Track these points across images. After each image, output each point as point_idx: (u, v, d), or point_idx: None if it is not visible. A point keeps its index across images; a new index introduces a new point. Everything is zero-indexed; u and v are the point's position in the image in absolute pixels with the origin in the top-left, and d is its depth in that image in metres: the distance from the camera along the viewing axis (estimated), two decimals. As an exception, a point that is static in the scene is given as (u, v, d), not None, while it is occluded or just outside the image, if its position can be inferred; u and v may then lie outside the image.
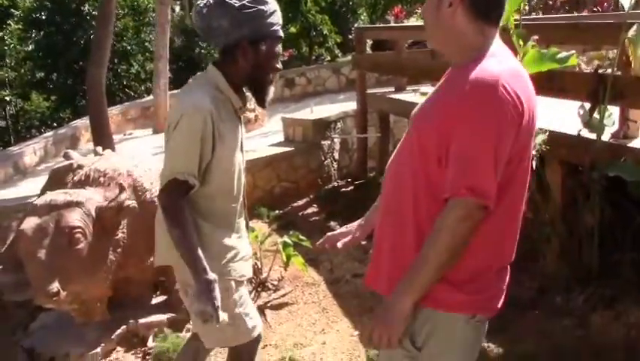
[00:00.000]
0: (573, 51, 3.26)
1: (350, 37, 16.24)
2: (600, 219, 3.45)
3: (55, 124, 17.63)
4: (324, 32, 16.34)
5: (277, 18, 2.30)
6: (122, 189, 3.66)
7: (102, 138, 7.17)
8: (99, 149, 4.66)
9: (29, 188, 7.30)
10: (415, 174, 1.70)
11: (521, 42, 3.37)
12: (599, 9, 14.38)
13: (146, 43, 18.54)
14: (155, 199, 3.90)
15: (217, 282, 2.21)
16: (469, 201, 1.56)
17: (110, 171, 3.78)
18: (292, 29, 16.90)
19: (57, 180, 4.06)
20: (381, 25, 13.76)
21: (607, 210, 3.42)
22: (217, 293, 2.19)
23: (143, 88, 18.52)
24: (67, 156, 4.53)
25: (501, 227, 1.71)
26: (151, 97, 13.73)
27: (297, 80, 13.90)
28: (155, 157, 9.39)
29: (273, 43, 2.29)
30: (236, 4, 2.21)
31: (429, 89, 6.12)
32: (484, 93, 1.55)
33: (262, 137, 10.63)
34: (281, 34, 2.34)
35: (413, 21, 16.48)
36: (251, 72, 2.29)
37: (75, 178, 3.75)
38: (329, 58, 17.20)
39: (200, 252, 2.21)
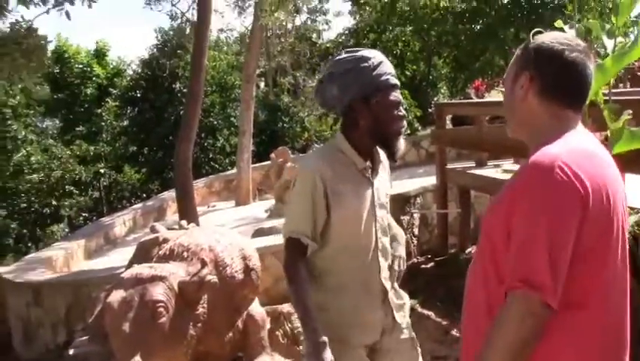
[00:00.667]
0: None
1: (430, 110, 16.35)
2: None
3: (144, 195, 18.43)
4: (404, 106, 16.49)
5: (385, 68, 2.30)
6: (203, 264, 3.73)
7: (187, 210, 7.41)
8: (184, 222, 4.83)
9: (118, 258, 7.59)
10: (485, 267, 1.59)
11: (613, 117, 3.26)
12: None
13: (232, 118, 19.30)
14: (235, 274, 4.00)
15: (327, 344, 2.17)
16: (527, 296, 1.40)
17: (193, 245, 3.87)
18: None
19: (144, 253, 4.21)
20: (462, 100, 13.78)
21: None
22: (327, 356, 2.14)
23: (227, 161, 19.15)
24: (153, 230, 4.70)
25: (594, 330, 1.50)
26: (234, 170, 14.17)
27: (378, 155, 13.98)
28: (236, 230, 9.69)
29: (385, 94, 2.28)
30: (340, 71, 2.30)
31: (510, 165, 6.04)
32: (538, 176, 1.46)
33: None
34: (393, 82, 2.31)
35: (494, 94, 16.42)
36: (374, 128, 2.29)
37: (160, 252, 3.87)
38: (409, 131, 17.30)
39: (313, 312, 2.20)
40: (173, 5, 13.22)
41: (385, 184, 2.45)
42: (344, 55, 2.39)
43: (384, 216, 2.43)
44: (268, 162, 14.15)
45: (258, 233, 6.89)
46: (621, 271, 1.56)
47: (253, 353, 4.14)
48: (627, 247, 1.60)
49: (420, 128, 17.14)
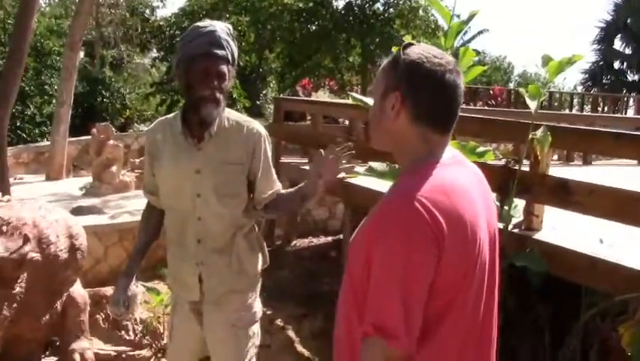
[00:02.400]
0: (489, 147, 3.49)
1: (258, 102, 16.48)
2: (503, 306, 3.60)
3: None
4: (234, 96, 16.49)
5: (206, 39, 2.37)
6: (26, 240, 3.45)
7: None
8: (-1, 194, 4.40)
9: None
10: (347, 301, 1.55)
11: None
12: (493, 102, 15.53)
13: (46, 86, 17.89)
14: (60, 253, 3.73)
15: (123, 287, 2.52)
16: (381, 343, 1.36)
17: (14, 219, 3.55)
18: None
19: (-51, 224, 3.76)
20: (301, 98, 14.11)
21: (510, 300, 3.58)
22: (118, 296, 2.50)
23: (37, 131, 17.69)
24: (-39, 199, 4.23)
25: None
26: (46, 142, 13.16)
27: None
28: (59, 205, 9.02)
29: (195, 62, 2.36)
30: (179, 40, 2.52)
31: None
32: (395, 216, 1.40)
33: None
34: (205, 50, 2.35)
35: (320, 94, 17.02)
36: (185, 95, 2.48)
37: (-25, 225, 3.49)
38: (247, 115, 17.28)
39: (133, 256, 2.65)
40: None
41: (226, 153, 2.45)
42: (194, 24, 2.52)
43: (210, 181, 2.44)
44: (85, 137, 13.34)
45: (77, 211, 6.47)
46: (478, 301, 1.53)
47: (70, 337, 3.89)
48: (496, 275, 1.62)
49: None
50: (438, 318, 1.43)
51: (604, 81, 26.90)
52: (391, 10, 16.55)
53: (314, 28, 16.98)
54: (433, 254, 1.38)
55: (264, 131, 2.56)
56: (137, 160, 11.46)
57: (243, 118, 2.56)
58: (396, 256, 1.37)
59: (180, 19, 17.15)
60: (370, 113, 1.64)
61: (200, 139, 2.43)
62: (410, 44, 1.57)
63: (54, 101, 17.39)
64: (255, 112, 17.08)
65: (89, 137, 12.95)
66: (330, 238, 6.76)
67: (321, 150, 2.44)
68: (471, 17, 3.46)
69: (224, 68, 2.39)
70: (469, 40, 34.92)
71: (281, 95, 14.76)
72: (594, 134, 3.78)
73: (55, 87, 17.22)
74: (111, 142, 10.51)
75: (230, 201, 2.49)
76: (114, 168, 10.36)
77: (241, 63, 17.14)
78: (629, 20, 26.15)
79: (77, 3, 11.98)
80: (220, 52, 2.36)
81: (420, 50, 1.54)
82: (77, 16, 11.51)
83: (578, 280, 3.40)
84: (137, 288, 2.59)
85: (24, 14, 7.06)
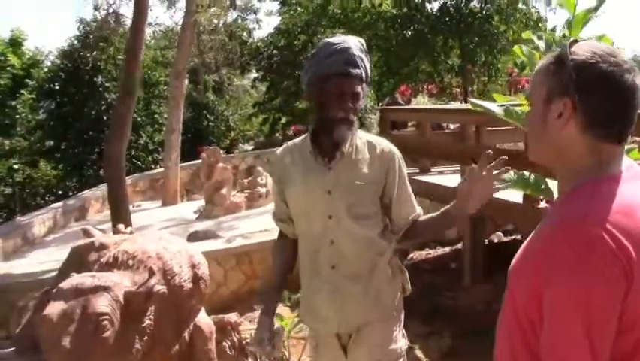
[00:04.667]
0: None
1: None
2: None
3: (60, 192, 17.55)
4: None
5: (340, 57, 2.30)
6: (151, 273, 3.48)
7: (120, 213, 7.04)
8: (121, 226, 4.53)
9: (38, 260, 7.12)
10: (512, 333, 1.35)
11: None
12: None
13: (156, 115, 18.74)
14: (184, 284, 3.77)
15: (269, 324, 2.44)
16: None
17: (139, 253, 3.61)
18: (302, 105, 17.13)
19: (78, 259, 3.90)
20: (390, 104, 13.94)
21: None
22: (263, 335, 2.43)
23: (150, 159, 18.57)
24: (87, 233, 4.38)
25: None
26: (160, 169, 13.74)
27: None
28: (165, 231, 9.33)
29: (328, 81, 2.30)
30: (310, 55, 2.46)
31: (452, 174, 6.05)
32: (571, 241, 1.21)
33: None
34: (340, 70, 2.28)
35: (420, 99, 16.72)
36: (317, 114, 2.41)
37: (102, 260, 3.58)
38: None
39: (273, 290, 2.58)
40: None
41: (358, 174, 2.36)
42: (322, 40, 2.46)
43: (342, 202, 2.34)
44: (195, 162, 13.83)
45: (193, 237, 6.62)
46: None
47: (199, 365, 3.91)
48: None
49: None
50: (626, 358, 1.23)
51: None
52: (489, 6, 16.00)
53: (410, 33, 16.73)
54: (620, 287, 1.18)
55: (397, 152, 2.45)
56: (246, 180, 11.72)
57: (375, 138, 2.48)
58: (578, 294, 1.18)
59: (277, 38, 17.45)
60: (530, 120, 1.43)
61: (331, 158, 2.36)
62: (575, 41, 1.37)
63: (164, 128, 18.23)
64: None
65: (199, 161, 13.43)
66: (447, 249, 6.52)
67: (474, 165, 2.19)
68: (600, 4, 3.15)
69: (358, 87, 2.31)
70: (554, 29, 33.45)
71: (380, 104, 14.62)
72: None
73: (165, 115, 18.03)
74: (220, 165, 10.81)
75: (364, 222, 2.38)
76: (224, 190, 10.64)
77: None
78: None
79: (180, 34, 12.46)
80: (355, 71, 2.29)
81: (589, 46, 1.34)
82: (180, 47, 11.97)
83: None
84: (279, 325, 2.54)
85: (132, 50, 7.36)
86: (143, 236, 4.02)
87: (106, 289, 3.33)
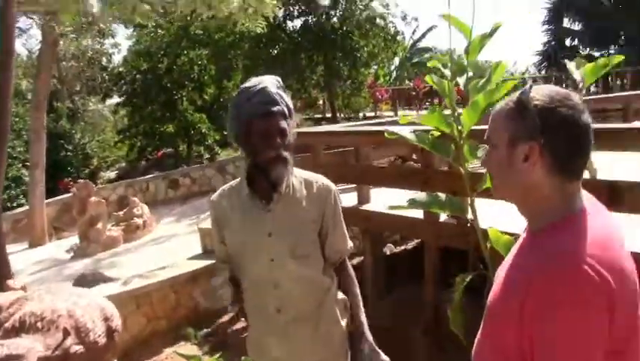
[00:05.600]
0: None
1: (225, 132, 16.29)
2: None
3: None
4: (203, 130, 16.29)
5: (259, 97, 2.26)
6: (66, 334, 3.24)
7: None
8: (10, 282, 4.18)
9: None
10: None
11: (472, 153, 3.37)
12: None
13: (8, 149, 17.39)
14: (98, 339, 3.52)
15: None
16: None
17: (48, 313, 3.33)
18: (169, 129, 16.71)
19: (-31, 325, 3.52)
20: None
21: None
22: None
23: (5, 196, 17.18)
24: (-28, 294, 3.98)
25: None
26: (20, 208, 12.79)
27: (182, 181, 13.59)
28: (38, 275, 8.68)
29: (253, 123, 2.25)
30: (230, 103, 2.41)
31: (348, 193, 6.16)
32: (561, 280, 1.28)
33: (156, 244, 10.15)
34: (262, 111, 2.24)
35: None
36: (251, 158, 2.32)
37: (7, 325, 3.27)
38: (208, 155, 17.07)
39: None
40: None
41: (298, 213, 2.34)
42: (242, 86, 2.40)
43: (284, 244, 2.31)
44: (61, 196, 12.98)
45: (80, 282, 6.18)
46: None
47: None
48: None
49: (220, 151, 17.00)
50: None
51: (559, 60, 27.39)
52: (349, 21, 16.56)
53: (275, 52, 16.91)
54: (607, 318, 1.27)
55: (333, 186, 2.44)
56: (121, 213, 11.19)
57: (311, 175, 2.44)
58: (574, 328, 1.25)
59: (138, 61, 16.90)
60: (489, 165, 1.51)
61: (269, 200, 2.31)
62: (531, 86, 1.45)
63: (17, 164, 16.96)
64: (224, 144, 16.88)
65: (65, 195, 12.65)
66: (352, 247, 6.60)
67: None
68: (494, 30, 3.36)
69: (283, 123, 2.26)
70: (420, 39, 35.55)
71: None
72: None
73: (19, 149, 16.79)
74: (93, 199, 10.24)
75: (306, 262, 2.34)
76: (100, 225, 10.09)
77: (205, 97, 16.99)
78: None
79: (37, 64, 11.69)
80: (276, 108, 2.25)
81: (546, 91, 1.42)
82: (39, 76, 11.25)
83: None
84: None
85: (3, 91, 6.81)
86: (50, 293, 3.72)
87: (18, 358, 3.05)
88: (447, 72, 3.28)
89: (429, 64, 3.40)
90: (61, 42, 11.19)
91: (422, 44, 36.21)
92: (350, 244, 2.51)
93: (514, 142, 1.42)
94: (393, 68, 35.11)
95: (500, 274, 1.48)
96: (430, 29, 29.07)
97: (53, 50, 11.28)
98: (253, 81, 2.34)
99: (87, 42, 12.65)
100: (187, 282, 5.81)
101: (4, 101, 6.72)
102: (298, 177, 2.39)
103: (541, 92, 1.42)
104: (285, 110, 2.28)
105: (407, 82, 31.26)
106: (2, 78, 6.71)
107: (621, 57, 3.18)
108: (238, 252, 2.37)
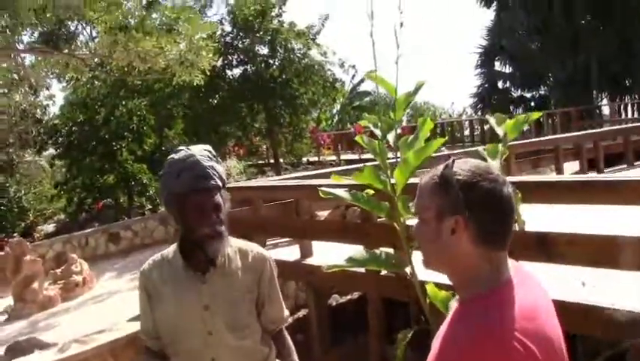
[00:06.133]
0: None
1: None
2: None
3: None
4: (144, 181, 16.04)
5: (190, 173, 2.21)
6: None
7: None
8: None
9: None
10: None
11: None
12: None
13: None
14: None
15: None
16: None
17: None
18: (109, 180, 16.40)
19: None
20: (235, 185, 13.89)
21: None
22: None
23: None
24: None
25: None
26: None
27: (123, 234, 13.28)
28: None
29: (186, 199, 2.22)
30: (161, 174, 2.36)
31: (289, 246, 6.15)
32: (489, 355, 1.34)
33: (96, 302, 9.83)
34: (195, 186, 2.21)
35: (230, 162, 16.90)
36: (183, 232, 2.30)
37: None
38: (150, 206, 16.78)
39: None
40: None
41: (234, 285, 2.30)
42: (168, 157, 2.35)
43: (221, 317, 2.27)
44: (-6, 255, 12.48)
45: (14, 350, 5.90)
46: None
47: None
48: None
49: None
50: None
51: (492, 101, 28.43)
52: (287, 69, 16.80)
53: (215, 101, 16.95)
54: None
55: (268, 255, 2.43)
56: (59, 270, 10.83)
57: (245, 244, 2.42)
58: None
59: (74, 113, 16.61)
60: (419, 236, 1.55)
61: (204, 272, 2.27)
62: (453, 161, 1.51)
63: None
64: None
65: (-1, 254, 12.16)
66: (290, 319, 6.53)
67: None
68: (417, 89, 3.45)
69: (218, 198, 2.23)
70: (359, 83, 36.32)
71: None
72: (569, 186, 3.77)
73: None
74: (28, 257, 9.90)
75: (244, 333, 2.30)
76: (36, 285, 9.72)
77: (146, 147, 16.78)
78: (503, 42, 27.95)
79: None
80: (210, 183, 2.21)
81: (468, 166, 1.49)
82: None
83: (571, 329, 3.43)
84: None
85: None
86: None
87: None
88: (377, 131, 3.36)
89: (361, 123, 3.46)
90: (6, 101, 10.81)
91: (362, 88, 37.05)
92: (286, 313, 2.49)
93: (440, 216, 1.47)
94: (335, 111, 35.67)
95: (435, 344, 1.50)
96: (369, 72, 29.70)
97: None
98: (183, 153, 2.28)
99: (19, 97, 12.34)
100: (127, 346, 5.61)
101: None
102: (233, 246, 2.36)
103: (462, 167, 1.48)
104: (219, 182, 2.25)
105: (349, 125, 31.79)
106: None
107: (538, 114, 3.34)
108: (170, 326, 2.29)
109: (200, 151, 2.29)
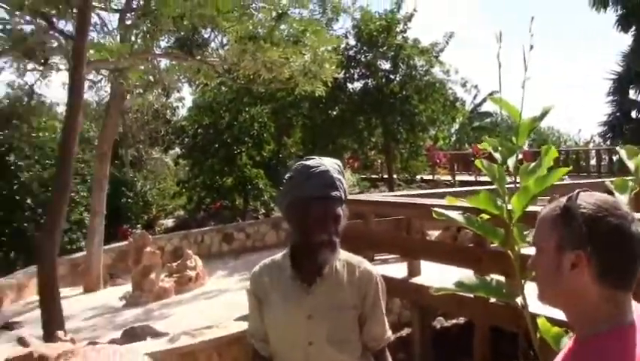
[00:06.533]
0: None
1: (281, 188, 16.47)
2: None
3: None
4: (260, 186, 16.56)
5: (317, 180, 2.27)
6: (106, 394, 3.29)
7: (51, 310, 6.61)
8: (61, 334, 4.28)
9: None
10: None
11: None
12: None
13: (72, 194, 18.04)
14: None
15: None
16: None
17: (91, 372, 3.41)
18: (227, 182, 17.07)
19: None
20: (350, 198, 14.08)
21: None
22: None
23: (66, 239, 17.73)
24: (23, 342, 4.12)
25: None
26: (79, 253, 13.15)
27: (236, 235, 13.76)
28: (91, 321, 8.85)
29: (308, 206, 2.26)
30: (286, 178, 2.40)
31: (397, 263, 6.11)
32: None
33: (207, 298, 10.24)
34: (318, 194, 2.26)
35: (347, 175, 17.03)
36: (298, 239, 2.35)
37: (51, 382, 3.35)
38: (264, 211, 17.28)
39: None
40: (19, 77, 12.19)
41: (337, 297, 2.32)
42: (297, 163, 2.42)
43: (323, 328, 2.30)
44: (118, 244, 13.33)
45: (129, 335, 6.27)
46: None
47: None
48: None
49: (275, 207, 17.21)
50: None
51: (624, 131, 26.78)
52: (408, 86, 16.74)
53: (334, 113, 17.20)
54: None
55: (375, 272, 2.43)
56: (174, 264, 11.39)
57: (355, 258, 2.44)
58: None
59: (200, 116, 17.46)
60: (537, 265, 1.49)
61: (311, 282, 2.31)
62: (578, 192, 1.44)
63: (80, 208, 17.53)
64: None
65: (122, 243, 12.97)
66: (392, 337, 6.48)
67: None
68: (544, 115, 3.33)
69: (339, 210, 2.29)
70: (481, 103, 35.50)
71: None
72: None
73: (82, 194, 17.38)
74: (148, 249, 10.47)
75: (344, 348, 2.32)
76: (153, 276, 10.28)
77: (264, 153, 17.30)
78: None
79: (105, 116, 12.25)
80: (335, 193, 2.27)
81: (594, 199, 1.42)
82: (105, 129, 11.75)
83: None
84: None
85: (67, 140, 7.14)
86: (95, 351, 3.80)
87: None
88: (497, 155, 3.27)
89: (480, 146, 3.39)
90: (128, 96, 11.65)
91: (484, 108, 36.18)
92: (389, 333, 2.47)
93: (560, 249, 1.41)
94: (453, 130, 35.06)
95: None
96: (491, 94, 28.92)
97: (120, 104, 11.82)
98: (314, 162, 2.36)
99: (152, 97, 13.18)
100: (232, 344, 5.80)
101: (67, 154, 7.03)
102: (341, 259, 2.38)
103: (588, 200, 1.41)
104: (343, 195, 2.31)
105: (467, 145, 31.13)
106: (67, 132, 7.05)
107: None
108: (276, 331, 2.35)
109: (330, 163, 2.36)
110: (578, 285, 1.38)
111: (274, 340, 2.36)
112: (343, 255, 2.42)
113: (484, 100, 34.36)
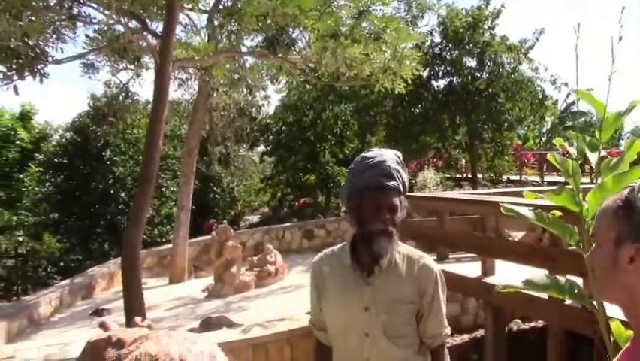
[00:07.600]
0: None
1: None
2: None
3: (62, 265, 17.35)
4: (342, 183, 16.61)
5: (375, 171, 2.31)
6: (174, 377, 3.38)
7: (133, 298, 6.91)
8: (138, 320, 4.44)
9: (42, 343, 6.94)
10: None
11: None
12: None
13: (162, 189, 18.77)
14: (205, 387, 3.64)
15: None
16: None
17: (162, 355, 3.50)
18: (310, 179, 17.24)
19: (96, 356, 3.79)
20: (424, 195, 13.98)
21: None
22: None
23: (156, 232, 18.46)
24: (104, 327, 4.28)
25: None
26: (167, 245, 13.65)
27: (316, 232, 13.87)
28: (174, 311, 9.16)
29: (366, 195, 2.29)
30: (349, 169, 2.46)
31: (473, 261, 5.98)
32: None
33: (284, 292, 10.39)
34: (376, 183, 2.28)
35: (427, 173, 16.81)
36: (357, 227, 2.35)
37: (124, 362, 3.48)
38: (344, 208, 17.33)
39: None
40: (113, 75, 12.79)
41: (395, 291, 2.31)
42: (359, 155, 2.47)
43: (379, 321, 2.29)
44: (202, 238, 13.75)
45: (206, 325, 6.46)
46: None
47: None
48: None
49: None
50: None
51: None
52: (494, 83, 16.32)
53: (417, 111, 17.01)
54: None
55: (436, 268, 2.39)
56: (255, 258, 11.63)
57: (415, 252, 2.42)
58: None
59: (285, 114, 17.74)
60: (595, 260, 1.43)
61: (369, 273, 2.31)
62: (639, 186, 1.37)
63: (170, 202, 18.22)
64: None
65: (207, 237, 13.37)
66: (466, 337, 6.36)
67: None
68: (630, 109, 3.15)
69: (396, 200, 2.29)
70: (574, 102, 34.00)
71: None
72: None
73: (172, 188, 18.06)
74: (230, 243, 10.73)
75: (400, 342, 2.30)
76: (234, 269, 10.54)
77: (347, 151, 17.35)
78: None
79: (192, 113, 12.66)
80: (391, 183, 2.28)
81: None
82: (192, 125, 12.13)
83: None
84: None
85: (152, 136, 7.42)
86: (167, 336, 3.93)
87: (129, 396, 3.22)
88: (573, 150, 3.13)
89: (554, 141, 3.26)
90: (214, 94, 12.02)
91: (578, 108, 34.69)
92: (447, 330, 2.42)
93: (620, 242, 1.34)
94: (544, 130, 33.86)
95: None
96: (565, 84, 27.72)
97: (206, 101, 12.19)
98: (372, 153, 2.41)
99: (237, 95, 13.52)
100: (304, 337, 5.86)
101: (153, 148, 7.30)
102: (401, 253, 2.37)
103: None
104: (400, 186, 2.31)
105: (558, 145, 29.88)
106: (152, 127, 7.32)
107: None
108: (333, 320, 2.37)
109: (390, 154, 2.39)
110: (635, 279, 1.32)
111: (331, 329, 2.38)
112: (404, 249, 2.40)
113: (578, 99, 32.89)
